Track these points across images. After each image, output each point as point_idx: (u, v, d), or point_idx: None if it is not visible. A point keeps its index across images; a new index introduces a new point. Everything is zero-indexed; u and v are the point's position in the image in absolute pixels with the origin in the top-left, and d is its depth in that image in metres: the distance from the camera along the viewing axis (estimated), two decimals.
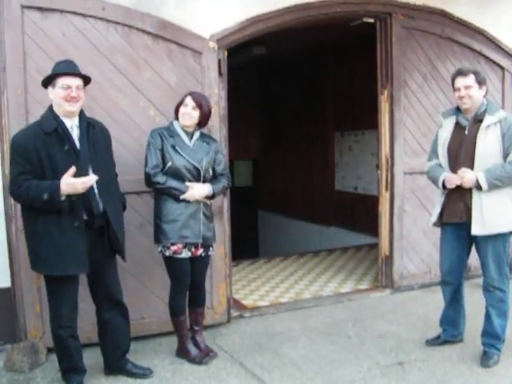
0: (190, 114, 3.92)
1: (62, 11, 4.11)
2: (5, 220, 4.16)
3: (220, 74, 4.70)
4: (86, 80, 3.53)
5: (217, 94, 4.67)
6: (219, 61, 4.68)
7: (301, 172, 10.32)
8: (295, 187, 10.57)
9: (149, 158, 3.88)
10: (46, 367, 4.04)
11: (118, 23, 4.27)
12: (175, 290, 4.06)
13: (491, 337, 3.98)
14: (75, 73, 3.46)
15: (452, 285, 4.16)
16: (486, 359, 3.93)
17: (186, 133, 3.98)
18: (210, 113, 4.04)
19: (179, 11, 4.52)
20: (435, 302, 5.03)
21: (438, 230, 4.23)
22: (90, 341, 4.03)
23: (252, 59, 8.94)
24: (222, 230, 4.71)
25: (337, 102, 9.24)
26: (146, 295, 4.49)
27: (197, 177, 3.95)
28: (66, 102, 3.40)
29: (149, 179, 3.87)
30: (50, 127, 3.39)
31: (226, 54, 4.80)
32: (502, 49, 5.96)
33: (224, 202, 4.79)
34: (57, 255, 3.39)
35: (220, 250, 4.73)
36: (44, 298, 4.15)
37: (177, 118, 4.01)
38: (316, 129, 9.73)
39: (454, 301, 4.20)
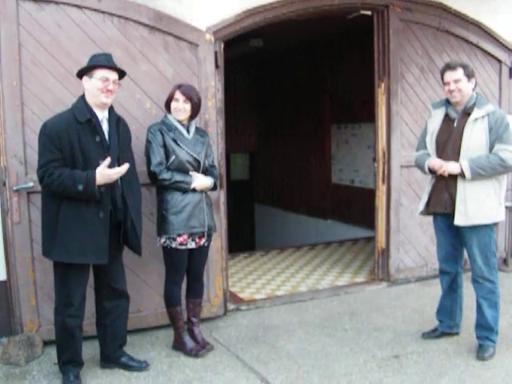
0: (182, 108, 3.94)
1: (57, 3, 4.08)
2: (0, 213, 4.14)
3: (217, 66, 4.68)
4: (120, 75, 3.62)
5: (213, 87, 4.65)
6: (216, 53, 4.66)
7: (297, 165, 10.31)
8: (292, 180, 10.57)
9: (152, 155, 3.89)
10: (41, 360, 4.03)
11: (114, 15, 4.25)
12: (172, 280, 4.07)
13: (485, 329, 3.99)
14: (115, 67, 3.54)
15: (449, 274, 4.18)
16: (481, 352, 3.95)
17: (182, 125, 4.00)
18: (200, 103, 4.06)
19: (175, 3, 4.49)
20: (431, 295, 5.05)
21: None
22: (85, 334, 4.01)
23: (249, 52, 8.91)
24: (218, 223, 4.70)
25: (334, 94, 9.22)
26: (142, 288, 4.48)
27: (197, 168, 4.01)
28: (103, 93, 3.46)
29: (155, 177, 3.90)
30: (84, 117, 3.44)
31: (222, 46, 4.78)
32: (499, 42, 5.95)
33: (220, 195, 4.78)
34: (79, 242, 3.42)
35: (216, 243, 4.73)
36: (40, 291, 4.18)
37: (168, 111, 4.03)
38: (313, 122, 9.72)
39: (451, 290, 4.21)
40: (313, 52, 9.41)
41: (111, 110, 3.62)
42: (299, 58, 9.80)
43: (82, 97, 3.54)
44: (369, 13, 5.57)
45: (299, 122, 10.08)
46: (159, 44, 4.43)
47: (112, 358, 3.88)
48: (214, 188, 4.15)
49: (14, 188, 4.04)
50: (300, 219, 10.23)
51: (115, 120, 3.62)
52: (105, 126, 3.55)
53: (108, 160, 3.41)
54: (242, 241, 10.89)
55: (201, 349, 4.12)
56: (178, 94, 3.93)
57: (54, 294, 3.64)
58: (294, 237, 10.08)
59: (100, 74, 3.47)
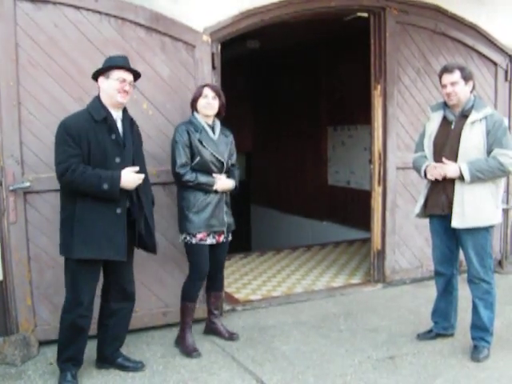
0: (211, 103, 4.09)
1: (54, 3, 4.08)
2: None
3: (213, 67, 4.68)
4: (135, 77, 3.70)
5: None
6: (212, 54, 4.67)
7: (294, 166, 10.32)
8: (288, 182, 10.57)
9: (177, 156, 4.00)
10: (37, 360, 4.03)
11: (110, 15, 4.25)
12: (194, 276, 4.17)
13: (480, 330, 4.01)
14: (131, 68, 3.63)
15: (444, 276, 4.19)
16: (476, 353, 3.96)
17: (208, 125, 4.11)
18: (225, 102, 4.21)
19: (172, 4, 4.49)
20: (427, 296, 5.06)
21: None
22: None
23: (246, 53, 8.92)
24: None
25: (330, 96, 9.23)
26: (138, 288, 4.44)
27: (220, 169, 4.12)
28: (119, 93, 3.54)
29: (179, 178, 4.01)
30: (100, 115, 3.52)
31: (219, 47, 4.79)
32: (495, 45, 5.97)
33: None
34: (97, 238, 3.46)
35: None
36: (36, 291, 4.18)
37: (193, 111, 4.14)
38: (309, 123, 9.73)
39: (447, 292, 4.22)
40: (309, 53, 9.42)
41: (125, 111, 3.69)
42: (296, 59, 9.80)
43: (97, 97, 3.60)
44: (365, 15, 5.58)
45: (295, 123, 10.09)
46: (156, 45, 4.43)
47: (109, 358, 3.88)
48: (235, 188, 4.24)
49: (11, 188, 4.03)
50: (296, 220, 10.23)
51: (129, 121, 3.70)
52: (119, 126, 3.61)
53: (136, 168, 3.55)
54: (238, 242, 10.85)
55: (196, 349, 4.13)
56: (207, 91, 4.08)
57: (66, 291, 3.63)
58: (290, 238, 10.09)
59: (117, 74, 3.54)
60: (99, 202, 3.46)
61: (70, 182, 3.41)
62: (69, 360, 3.64)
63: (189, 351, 4.11)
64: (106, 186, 3.40)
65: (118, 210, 3.52)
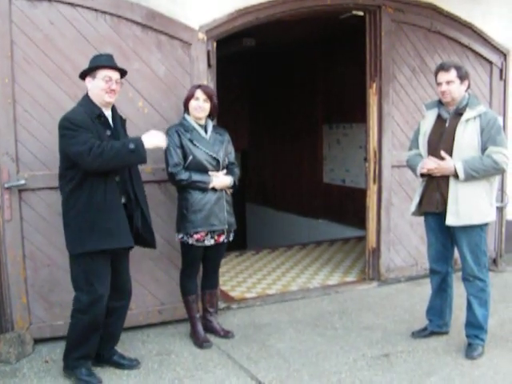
0: (202, 106, 4.11)
1: (50, 0, 4.07)
2: None
3: (209, 65, 4.68)
4: (122, 74, 3.70)
5: None
6: (208, 52, 4.67)
7: (289, 165, 10.32)
8: (284, 180, 10.58)
9: (169, 157, 4.04)
10: (32, 358, 4.03)
11: (106, 13, 4.24)
12: (186, 273, 4.28)
13: (474, 327, 4.02)
14: (117, 67, 3.62)
15: (439, 273, 4.21)
16: (470, 351, 3.98)
17: (200, 126, 4.13)
18: (217, 104, 4.23)
19: (169, 2, 4.49)
20: (421, 294, 5.08)
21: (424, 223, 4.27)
22: None
23: (241, 51, 8.91)
24: None
25: (325, 94, 9.24)
26: (134, 286, 4.43)
27: (216, 167, 4.13)
28: (106, 93, 3.54)
29: (173, 178, 4.05)
30: (95, 113, 3.54)
31: (215, 45, 4.79)
32: (491, 44, 5.99)
33: None
34: (118, 228, 3.50)
35: None
36: (30, 289, 4.17)
37: (186, 112, 4.17)
38: (305, 121, 9.73)
39: (441, 290, 4.24)
40: (305, 52, 9.41)
41: (113, 109, 3.69)
42: (291, 57, 9.80)
43: (87, 96, 3.59)
44: (361, 13, 5.59)
45: (291, 121, 10.09)
46: (152, 42, 4.43)
47: (105, 356, 3.88)
48: (234, 186, 4.24)
49: (6, 185, 4.03)
50: (291, 219, 10.24)
51: (119, 118, 3.71)
52: (110, 123, 3.63)
53: (152, 131, 3.65)
54: (234, 240, 10.85)
55: (206, 340, 4.23)
56: (198, 93, 4.09)
57: (78, 292, 3.61)
58: (286, 236, 10.08)
59: (103, 74, 3.53)
60: (103, 194, 3.47)
61: (100, 154, 3.35)
62: (80, 358, 3.65)
63: (199, 343, 4.22)
64: (132, 146, 3.42)
65: (123, 199, 3.59)
